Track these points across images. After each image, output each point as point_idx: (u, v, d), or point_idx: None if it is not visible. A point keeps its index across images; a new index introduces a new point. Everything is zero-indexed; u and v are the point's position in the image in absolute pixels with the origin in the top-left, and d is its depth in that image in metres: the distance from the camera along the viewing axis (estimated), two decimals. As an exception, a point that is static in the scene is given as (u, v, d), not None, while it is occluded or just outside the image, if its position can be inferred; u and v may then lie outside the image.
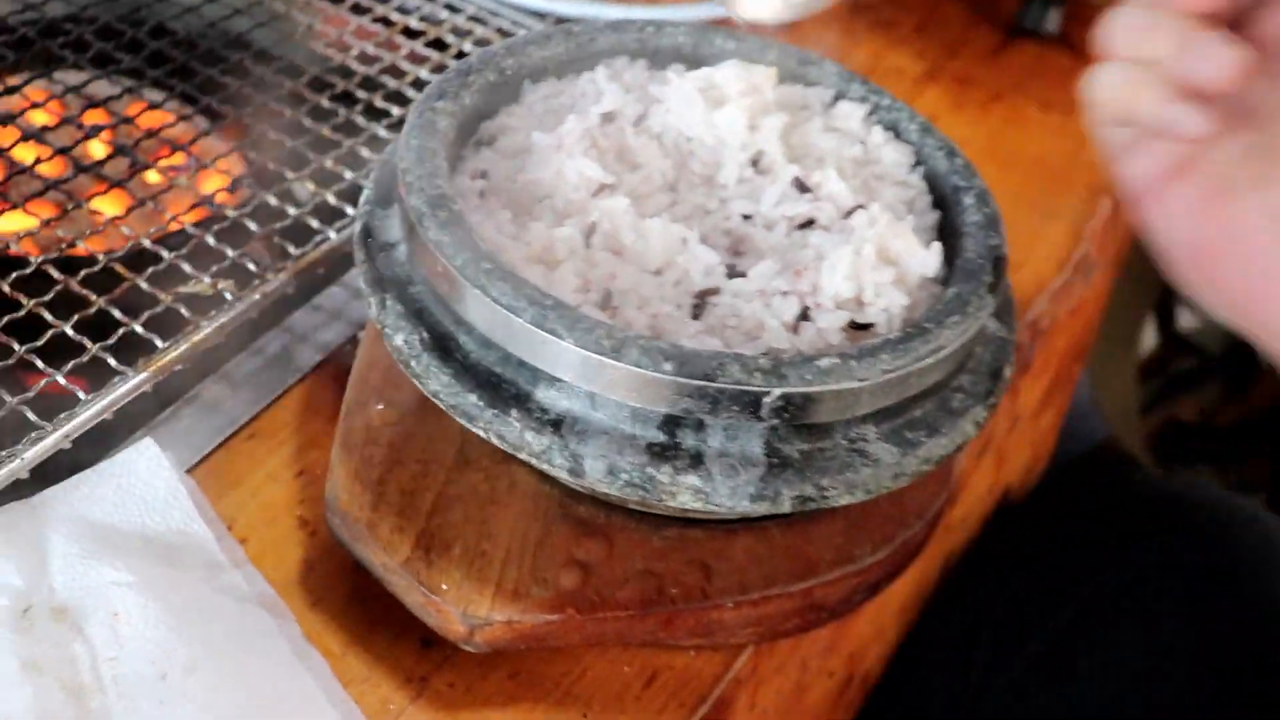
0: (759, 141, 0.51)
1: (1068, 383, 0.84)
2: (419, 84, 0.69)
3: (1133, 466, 0.91)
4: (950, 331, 0.43)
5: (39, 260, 0.54)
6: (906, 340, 0.42)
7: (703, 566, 0.47)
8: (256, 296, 0.55)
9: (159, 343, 0.52)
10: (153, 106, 0.65)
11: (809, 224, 0.48)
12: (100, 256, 0.55)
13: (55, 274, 0.54)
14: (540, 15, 0.76)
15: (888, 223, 0.46)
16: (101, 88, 0.67)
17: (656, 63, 0.55)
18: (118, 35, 0.69)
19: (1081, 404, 0.91)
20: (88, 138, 0.63)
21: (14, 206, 0.58)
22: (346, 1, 0.75)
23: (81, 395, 0.49)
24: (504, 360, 0.42)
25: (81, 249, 0.56)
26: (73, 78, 0.67)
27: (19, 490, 0.47)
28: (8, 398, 0.49)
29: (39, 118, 0.65)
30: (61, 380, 0.50)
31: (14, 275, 0.54)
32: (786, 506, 0.42)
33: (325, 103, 0.66)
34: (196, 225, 0.58)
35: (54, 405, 0.49)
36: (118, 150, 0.62)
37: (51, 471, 0.48)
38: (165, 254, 0.56)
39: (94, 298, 0.53)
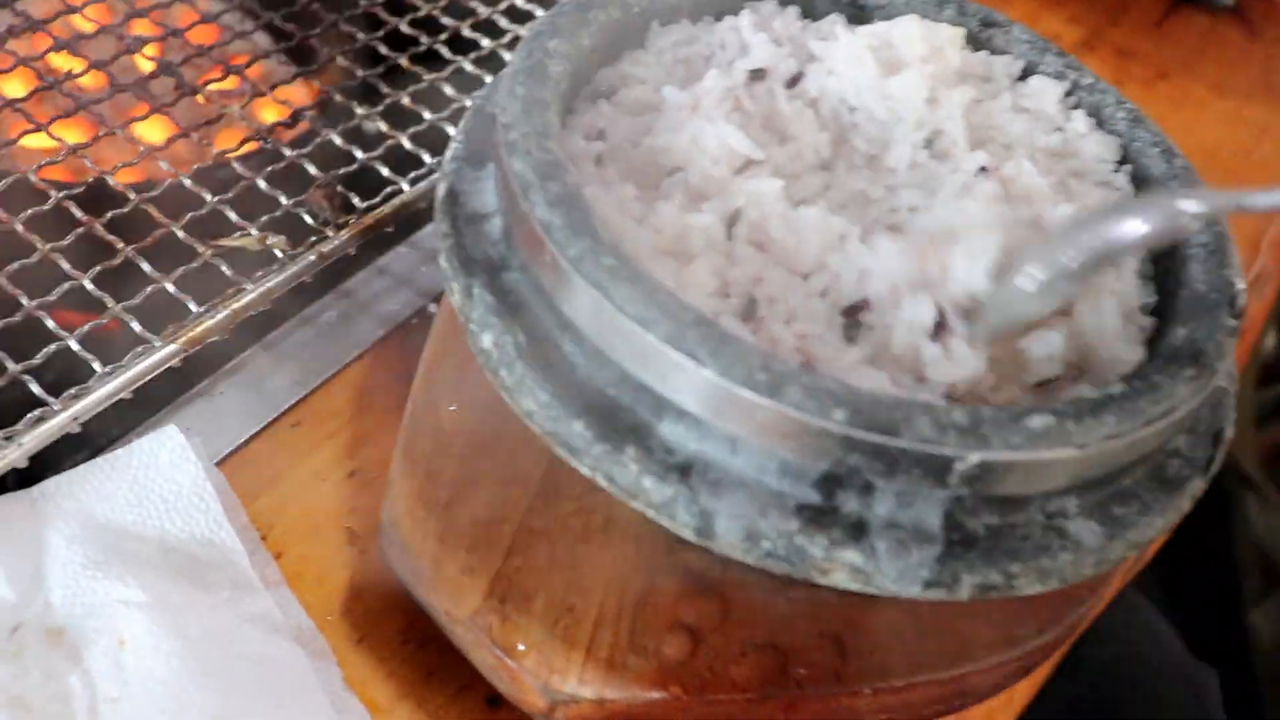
0: (938, 118, 0.41)
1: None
2: (515, 13, 0.59)
3: (1246, 488, 0.83)
4: (1185, 388, 0.34)
5: (59, 196, 0.46)
6: (1133, 397, 0.33)
7: (836, 642, 0.38)
8: (312, 256, 0.46)
9: (193, 306, 0.43)
10: (206, 19, 0.56)
11: (994, 226, 0.39)
12: (131, 195, 0.47)
13: (77, 213, 0.46)
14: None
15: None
16: (149, -8, 0.58)
17: (809, 11, 0.45)
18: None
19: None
20: (129, 51, 0.54)
21: (37, 128, 0.49)
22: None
23: (97, 367, 0.41)
24: (621, 381, 0.34)
25: (111, 184, 0.47)
26: (118, -21, 0.58)
27: (16, 481, 0.39)
28: (10, 364, 0.41)
29: (77, 23, 0.56)
30: (75, 346, 0.41)
31: (29, 211, 0.45)
32: (964, 595, 0.33)
33: (405, 27, 0.57)
34: (246, 164, 0.49)
35: (63, 378, 0.40)
36: (162, 68, 0.53)
37: (55, 460, 0.40)
38: (207, 197, 0.47)
39: (120, 245, 0.45)
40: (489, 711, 0.39)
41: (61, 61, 0.53)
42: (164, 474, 0.41)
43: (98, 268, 0.44)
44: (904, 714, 0.40)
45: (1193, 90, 0.71)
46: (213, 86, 0.53)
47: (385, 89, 0.54)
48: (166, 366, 0.42)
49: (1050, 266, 0.34)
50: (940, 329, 0.35)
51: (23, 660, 0.37)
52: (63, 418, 0.39)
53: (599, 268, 0.33)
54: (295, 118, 0.52)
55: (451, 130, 0.51)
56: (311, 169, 0.49)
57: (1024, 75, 0.45)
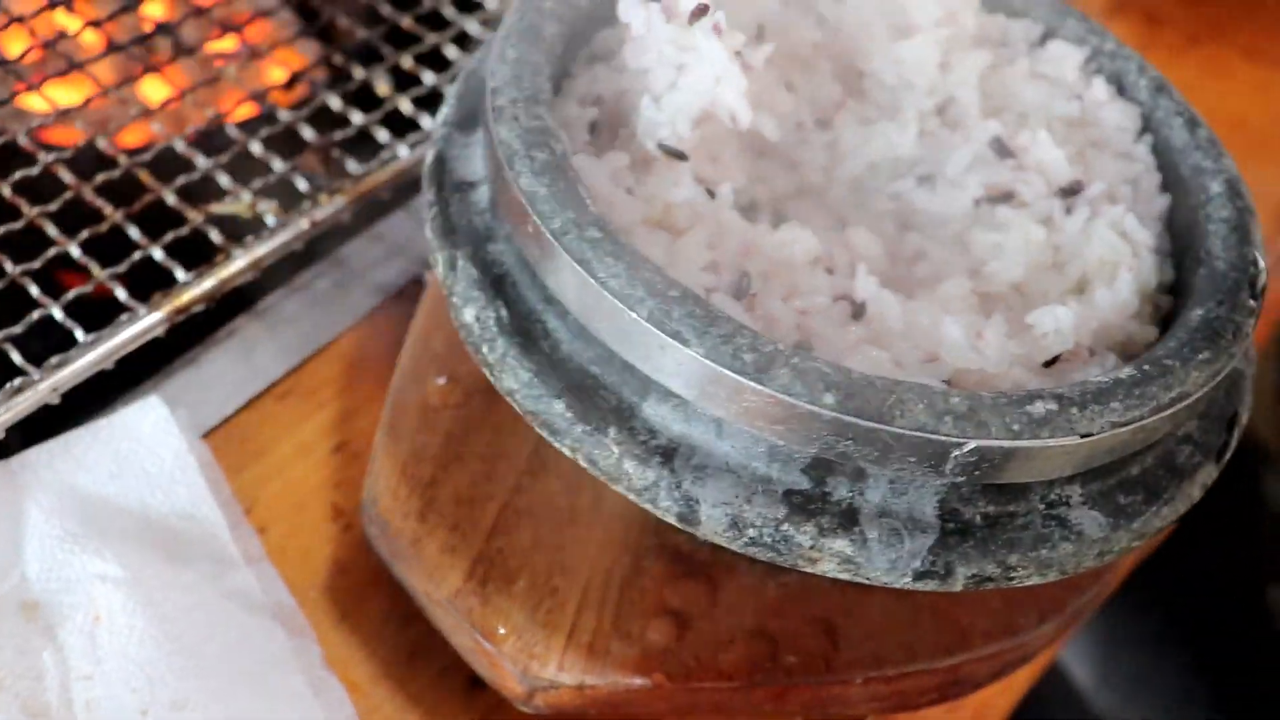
0: (950, 85, 0.40)
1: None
2: (520, -27, 0.57)
3: (1266, 464, 0.81)
4: (1199, 373, 0.32)
5: (49, 160, 0.45)
6: (1143, 382, 0.32)
7: (827, 628, 0.37)
8: (305, 224, 0.45)
9: (180, 274, 0.42)
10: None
11: (1005, 198, 0.38)
12: (121, 159, 0.45)
13: (66, 176, 0.45)
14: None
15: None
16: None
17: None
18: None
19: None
20: (126, 9, 0.53)
21: (30, 87, 0.48)
22: None
23: (79, 335, 0.40)
24: (605, 360, 0.32)
25: (102, 147, 0.46)
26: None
27: (-7, 451, 0.38)
28: (-10, 331, 0.40)
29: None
30: (57, 314, 0.41)
31: (18, 175, 0.44)
32: (958, 587, 0.32)
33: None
34: (240, 127, 0.48)
35: (45, 345, 0.40)
36: (159, 28, 0.52)
37: (34, 432, 0.39)
38: (200, 160, 0.46)
39: (109, 210, 0.44)
40: (471, 693, 0.38)
41: (59, 21, 0.52)
42: (146, 446, 0.40)
43: (84, 233, 0.43)
44: (896, 702, 0.38)
45: (1226, 58, 0.68)
46: (211, 47, 0.52)
47: (385, 50, 0.52)
48: (152, 336, 0.41)
49: None
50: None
51: (-3, 634, 0.36)
52: (43, 387, 0.39)
53: (583, 240, 0.32)
54: (292, 80, 0.51)
55: (453, 94, 0.50)
56: (307, 132, 0.48)
57: (1043, 40, 0.43)
